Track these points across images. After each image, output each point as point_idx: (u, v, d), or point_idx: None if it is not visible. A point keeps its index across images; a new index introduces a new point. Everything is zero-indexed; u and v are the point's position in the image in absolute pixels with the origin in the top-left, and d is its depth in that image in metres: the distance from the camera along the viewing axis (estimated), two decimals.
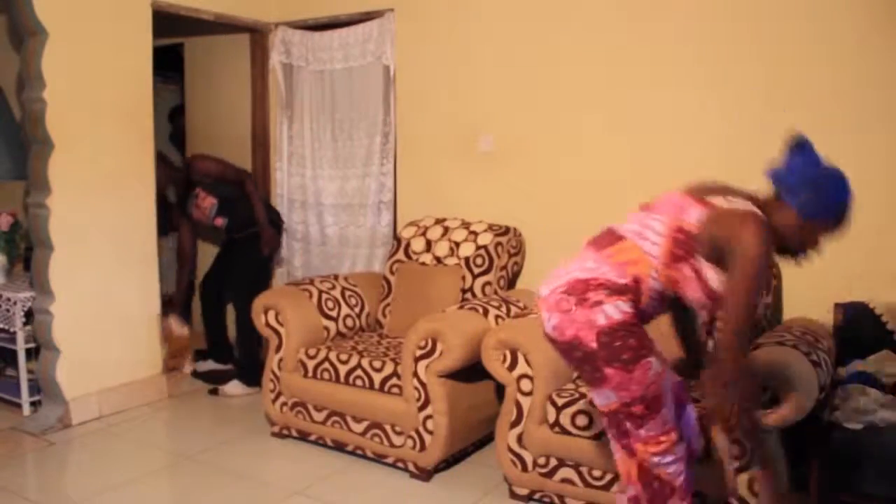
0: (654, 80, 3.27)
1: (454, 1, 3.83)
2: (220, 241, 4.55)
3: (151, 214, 3.93)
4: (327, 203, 4.36)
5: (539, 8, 3.55)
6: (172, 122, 5.37)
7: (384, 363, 3.10)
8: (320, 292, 3.52)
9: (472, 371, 2.93)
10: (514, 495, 2.82)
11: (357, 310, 3.65)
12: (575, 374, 2.84)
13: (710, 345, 2.22)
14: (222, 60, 4.79)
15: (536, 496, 2.79)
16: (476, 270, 3.48)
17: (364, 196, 4.21)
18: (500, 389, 2.97)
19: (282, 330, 3.37)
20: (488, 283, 3.46)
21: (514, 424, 2.75)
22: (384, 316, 3.69)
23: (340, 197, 4.32)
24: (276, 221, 4.27)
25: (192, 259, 4.50)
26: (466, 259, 3.52)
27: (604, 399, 1.97)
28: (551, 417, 2.65)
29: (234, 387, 4.05)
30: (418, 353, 2.92)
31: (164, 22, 4.01)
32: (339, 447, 3.26)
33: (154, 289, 3.97)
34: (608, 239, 2.02)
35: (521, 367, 2.72)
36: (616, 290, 1.91)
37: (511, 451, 2.76)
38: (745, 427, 1.98)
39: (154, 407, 3.88)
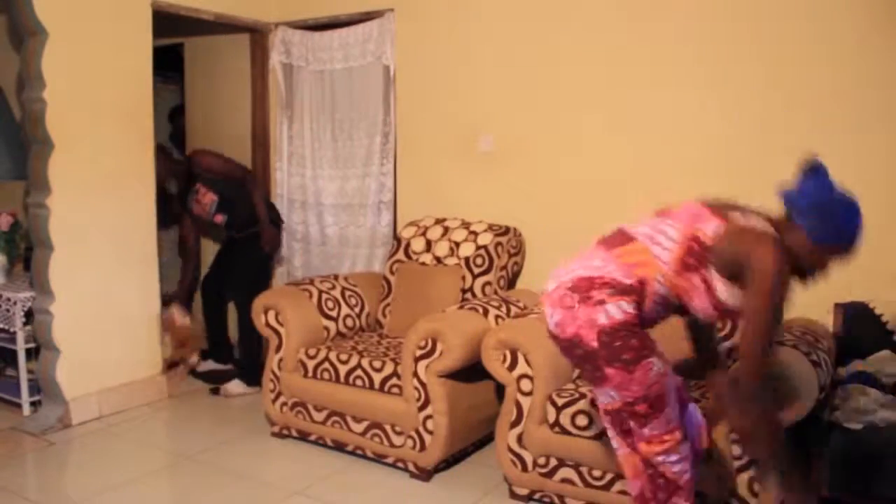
0: (654, 80, 3.27)
1: (454, 1, 3.83)
2: (220, 239, 4.55)
3: (151, 214, 3.93)
4: (327, 203, 4.36)
5: (539, 8, 3.55)
6: (172, 122, 5.37)
7: (384, 363, 3.10)
8: (320, 292, 3.52)
9: (472, 371, 2.93)
10: (514, 495, 2.82)
11: (357, 310, 3.65)
12: (576, 374, 2.84)
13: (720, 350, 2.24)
14: (222, 60, 4.79)
15: (536, 496, 2.79)
16: (476, 270, 3.48)
17: (364, 196, 4.21)
18: (500, 389, 2.97)
19: (282, 330, 3.37)
20: (488, 283, 3.46)
21: (514, 424, 2.75)
22: (384, 316, 3.69)
23: (340, 197, 4.32)
24: (275, 221, 4.27)
25: (196, 253, 4.49)
26: (466, 259, 3.52)
27: (606, 398, 1.97)
28: (551, 417, 2.65)
29: (235, 386, 4.06)
30: (418, 353, 2.92)
31: (164, 22, 4.01)
32: (339, 447, 3.26)
33: (154, 289, 3.97)
34: (619, 239, 2.03)
35: (521, 367, 2.72)
36: (620, 291, 1.91)
37: (511, 451, 2.76)
38: (768, 444, 1.96)
39: (154, 407, 3.88)
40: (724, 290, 1.89)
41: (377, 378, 3.08)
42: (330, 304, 3.52)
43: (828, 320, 2.83)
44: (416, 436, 2.96)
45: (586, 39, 3.44)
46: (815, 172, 1.90)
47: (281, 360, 3.38)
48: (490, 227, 3.58)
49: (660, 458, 1.94)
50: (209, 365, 4.40)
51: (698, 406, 2.12)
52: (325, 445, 3.31)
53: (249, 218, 4.13)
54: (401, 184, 4.11)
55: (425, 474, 3.00)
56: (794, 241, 1.88)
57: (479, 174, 3.81)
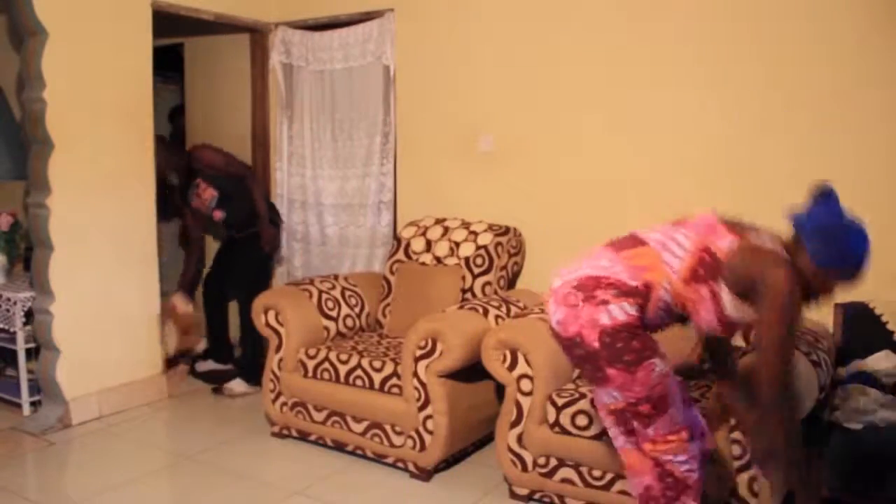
0: (654, 80, 3.27)
1: (454, 1, 3.83)
2: (220, 236, 4.54)
3: (151, 214, 3.93)
4: (327, 203, 4.36)
5: (539, 8, 3.55)
6: (172, 122, 5.37)
7: (384, 363, 3.10)
8: (320, 292, 3.52)
9: (472, 371, 2.93)
10: (514, 495, 2.82)
11: (357, 310, 3.65)
12: (576, 374, 2.84)
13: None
14: (222, 60, 4.79)
15: (536, 496, 2.79)
16: (476, 270, 3.48)
17: (364, 196, 4.21)
18: (500, 389, 2.97)
19: (282, 330, 3.37)
20: (488, 283, 3.46)
21: (514, 424, 2.75)
22: (384, 316, 3.69)
23: (340, 197, 4.32)
24: (274, 220, 4.27)
25: (201, 245, 4.45)
26: (466, 259, 3.52)
27: (609, 398, 1.97)
28: (551, 417, 2.65)
29: (237, 384, 4.06)
30: (418, 353, 2.92)
31: (164, 22, 4.01)
32: (339, 447, 3.26)
33: (154, 289, 3.97)
34: (629, 242, 2.03)
35: (521, 367, 2.72)
36: (625, 292, 1.91)
37: (511, 451, 2.76)
38: (790, 460, 1.95)
39: (154, 407, 3.88)
40: (730, 305, 1.89)
41: (377, 378, 3.08)
42: (330, 304, 3.52)
43: (828, 320, 2.83)
44: (416, 436, 2.96)
45: (586, 39, 3.44)
46: (825, 198, 1.91)
47: (281, 360, 3.38)
48: (490, 227, 3.57)
49: (667, 458, 1.94)
50: (209, 365, 4.39)
51: (698, 406, 2.12)
52: (325, 445, 3.31)
53: (248, 216, 4.13)
54: (401, 184, 4.11)
55: (425, 474, 3.00)
56: (801, 263, 1.89)
57: (479, 174, 3.81)
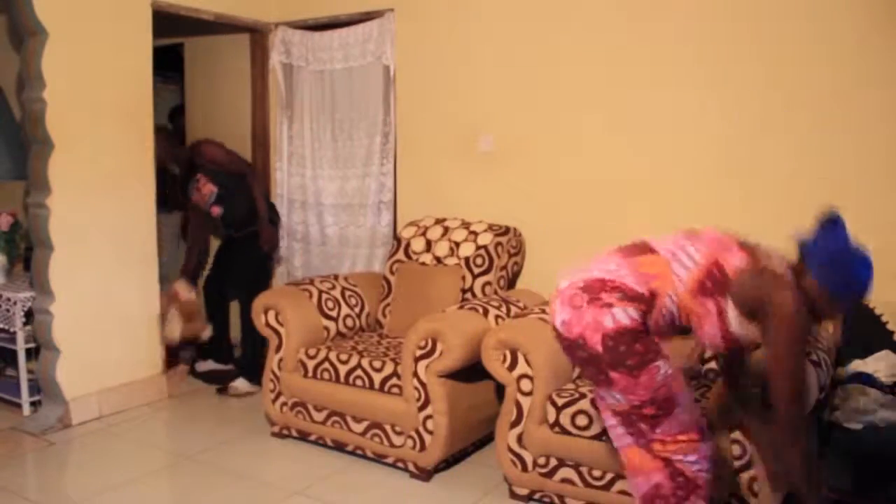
0: (654, 80, 3.27)
1: (454, 1, 3.83)
2: (218, 235, 4.53)
3: (151, 214, 3.93)
4: (327, 203, 4.36)
5: (539, 8, 3.55)
6: (172, 122, 5.37)
7: (384, 363, 3.09)
8: (320, 292, 3.52)
9: (472, 371, 2.93)
10: (514, 495, 2.82)
11: (357, 310, 3.65)
12: (576, 373, 2.84)
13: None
14: (222, 60, 4.79)
15: (536, 496, 2.79)
16: (476, 270, 3.48)
17: (364, 196, 4.21)
18: (500, 389, 2.97)
19: (282, 330, 3.37)
20: (488, 283, 3.46)
21: (514, 424, 2.75)
22: (384, 316, 3.69)
23: (340, 197, 4.32)
24: (273, 219, 4.27)
25: (204, 237, 4.41)
26: (466, 259, 3.52)
27: (613, 400, 1.97)
28: (551, 417, 2.65)
29: (241, 384, 4.06)
30: (418, 353, 2.92)
31: (164, 22, 4.01)
32: (339, 447, 3.26)
33: (154, 289, 3.97)
34: (639, 249, 2.04)
35: (521, 367, 2.72)
36: (630, 297, 1.91)
37: (511, 451, 2.76)
38: (806, 476, 1.96)
39: (154, 407, 3.88)
40: (735, 322, 1.90)
41: (377, 378, 3.08)
42: (330, 304, 3.52)
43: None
44: (416, 436, 2.96)
45: (586, 39, 3.44)
46: (832, 224, 1.92)
47: (281, 360, 3.38)
48: (490, 227, 3.57)
49: (678, 457, 1.94)
50: (209, 365, 4.39)
51: (698, 406, 2.12)
52: (325, 445, 3.31)
53: (247, 215, 4.13)
54: (401, 184, 4.11)
55: (425, 474, 3.00)
56: (807, 286, 1.90)
57: (479, 174, 3.81)
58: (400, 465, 3.07)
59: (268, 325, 3.41)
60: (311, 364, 3.28)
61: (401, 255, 3.74)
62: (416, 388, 2.94)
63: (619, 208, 3.39)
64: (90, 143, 3.59)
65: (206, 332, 4.33)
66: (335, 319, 3.51)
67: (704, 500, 1.97)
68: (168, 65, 5.12)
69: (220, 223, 4.28)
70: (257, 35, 4.54)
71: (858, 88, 2.85)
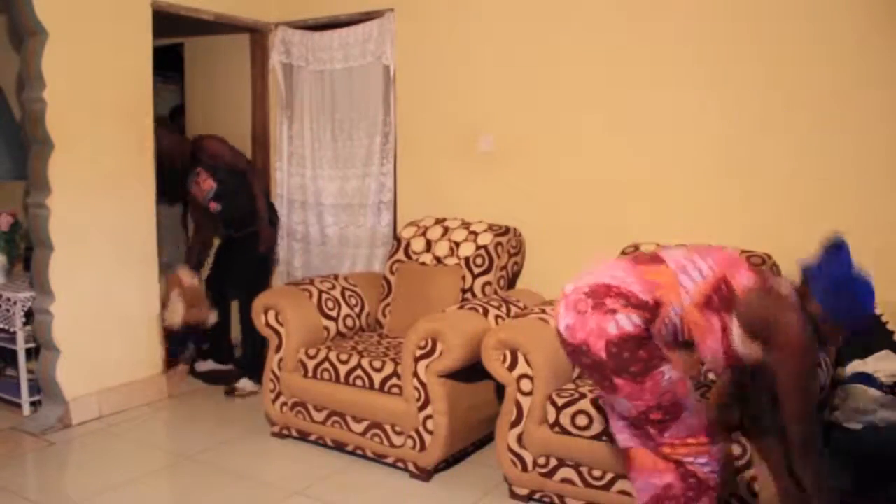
0: (654, 80, 3.27)
1: (454, 1, 3.83)
2: (219, 234, 4.52)
3: (151, 214, 3.93)
4: (327, 203, 4.36)
5: (539, 8, 3.55)
6: (172, 122, 5.37)
7: (384, 363, 3.09)
8: (320, 292, 3.52)
9: (472, 371, 2.93)
10: (514, 495, 2.82)
11: (357, 310, 3.65)
12: (576, 374, 2.84)
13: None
14: (222, 60, 4.79)
15: (536, 496, 2.79)
16: (476, 270, 3.48)
17: (364, 196, 4.21)
18: (500, 389, 2.97)
19: (282, 330, 3.37)
20: (488, 283, 3.46)
21: (514, 424, 2.74)
22: (384, 316, 3.69)
23: (340, 197, 4.32)
24: (272, 219, 4.27)
25: (206, 225, 4.37)
26: (466, 259, 3.52)
27: (621, 407, 1.98)
28: (551, 417, 2.65)
29: (246, 383, 4.07)
30: (418, 353, 2.92)
31: (164, 22, 4.01)
32: (339, 447, 3.26)
33: (154, 289, 3.97)
34: (648, 258, 2.04)
35: (521, 367, 2.71)
36: (634, 304, 1.91)
37: (511, 451, 2.76)
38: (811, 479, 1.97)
39: (154, 407, 3.88)
40: (739, 340, 1.91)
41: (377, 378, 3.08)
42: (330, 304, 3.52)
43: None
44: (416, 436, 2.96)
45: (586, 39, 3.44)
46: (837, 249, 1.92)
47: (281, 360, 3.38)
48: (490, 227, 3.57)
49: (689, 459, 1.94)
50: (209, 365, 4.39)
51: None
52: (325, 445, 3.31)
53: (247, 214, 4.12)
54: (401, 184, 4.11)
55: (425, 474, 3.00)
56: (811, 310, 1.91)
57: (479, 174, 3.81)
58: (400, 465, 3.07)
59: (268, 325, 3.41)
60: (311, 364, 3.28)
61: (401, 255, 3.74)
62: (416, 388, 2.94)
63: (619, 208, 3.39)
64: (90, 143, 3.59)
65: (212, 318, 4.28)
66: (335, 319, 3.51)
67: (714, 502, 1.97)
68: (168, 65, 5.12)
69: (219, 221, 4.28)
70: (257, 35, 4.54)
71: (858, 88, 2.85)
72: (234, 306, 4.39)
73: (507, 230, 3.57)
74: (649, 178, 3.31)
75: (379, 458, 3.14)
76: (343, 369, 3.18)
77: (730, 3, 3.09)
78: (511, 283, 3.62)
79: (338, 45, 4.21)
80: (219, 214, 4.20)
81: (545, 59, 3.56)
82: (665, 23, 3.23)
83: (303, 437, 3.38)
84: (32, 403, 3.68)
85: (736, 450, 2.30)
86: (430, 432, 2.92)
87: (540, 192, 3.62)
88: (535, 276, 3.62)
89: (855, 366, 2.63)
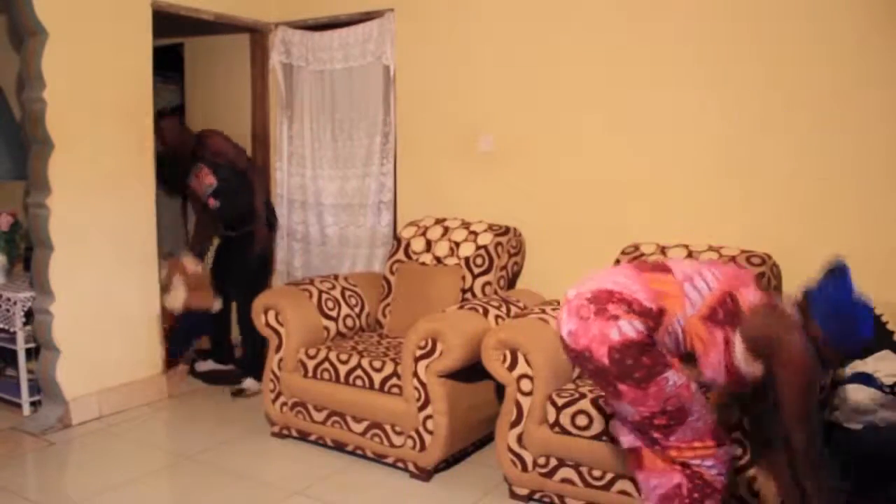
0: (654, 80, 3.27)
1: (454, 1, 3.83)
2: (218, 234, 4.52)
3: (151, 214, 3.93)
4: (327, 203, 4.36)
5: (539, 8, 3.55)
6: None
7: (384, 363, 3.09)
8: (320, 292, 3.52)
9: (472, 371, 2.93)
10: (514, 495, 2.82)
11: (357, 310, 3.65)
12: (576, 374, 2.84)
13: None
14: (222, 60, 4.79)
15: (536, 496, 2.79)
16: (476, 270, 3.48)
17: (364, 196, 4.21)
18: (500, 389, 2.97)
19: (282, 330, 3.37)
20: (488, 283, 3.46)
21: (514, 424, 2.74)
22: (384, 316, 3.69)
23: (340, 197, 4.32)
24: (270, 220, 4.27)
25: (207, 216, 4.36)
26: (466, 259, 3.52)
27: (626, 412, 1.97)
28: (551, 417, 2.65)
29: (251, 383, 4.07)
30: (418, 353, 2.92)
31: (164, 22, 4.01)
32: (339, 447, 3.26)
33: (154, 289, 3.97)
34: (654, 267, 2.04)
35: (521, 367, 2.71)
36: (637, 311, 1.90)
37: (511, 451, 2.76)
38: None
39: (154, 407, 3.88)
40: (741, 356, 1.91)
41: (377, 378, 3.08)
42: (330, 304, 3.52)
43: None
44: (416, 436, 2.96)
45: (586, 39, 3.44)
46: (840, 274, 1.92)
47: (281, 360, 3.38)
48: (490, 227, 3.57)
49: (696, 462, 1.94)
50: (209, 365, 4.39)
51: None
52: (325, 445, 3.31)
53: (245, 214, 4.12)
54: (401, 184, 4.11)
55: (425, 474, 3.00)
56: (812, 332, 1.91)
57: (479, 174, 3.81)
58: (400, 465, 3.07)
59: (268, 325, 3.41)
60: (311, 364, 3.28)
61: (401, 255, 3.74)
62: (416, 388, 2.94)
63: (619, 208, 3.39)
64: (90, 143, 3.59)
65: (216, 305, 4.26)
66: (335, 319, 3.51)
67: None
68: (168, 65, 5.12)
69: (217, 219, 4.28)
70: (257, 35, 4.54)
71: (858, 88, 2.85)
72: (234, 306, 4.39)
73: (507, 230, 3.57)
74: (649, 178, 3.31)
75: (379, 458, 3.14)
76: (343, 369, 3.18)
77: (730, 3, 3.09)
78: (511, 283, 3.62)
79: (338, 45, 4.21)
80: (217, 211, 4.20)
81: (545, 59, 3.56)
82: (665, 23, 3.23)
83: (303, 437, 3.38)
84: (32, 403, 3.68)
85: (736, 451, 2.29)
86: (430, 432, 2.92)
87: (540, 192, 3.62)
88: (535, 276, 3.62)
89: (855, 366, 2.63)
